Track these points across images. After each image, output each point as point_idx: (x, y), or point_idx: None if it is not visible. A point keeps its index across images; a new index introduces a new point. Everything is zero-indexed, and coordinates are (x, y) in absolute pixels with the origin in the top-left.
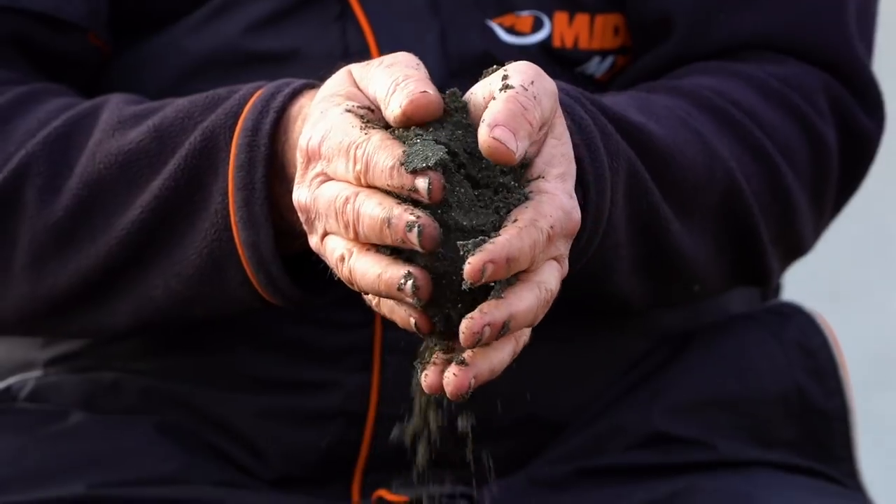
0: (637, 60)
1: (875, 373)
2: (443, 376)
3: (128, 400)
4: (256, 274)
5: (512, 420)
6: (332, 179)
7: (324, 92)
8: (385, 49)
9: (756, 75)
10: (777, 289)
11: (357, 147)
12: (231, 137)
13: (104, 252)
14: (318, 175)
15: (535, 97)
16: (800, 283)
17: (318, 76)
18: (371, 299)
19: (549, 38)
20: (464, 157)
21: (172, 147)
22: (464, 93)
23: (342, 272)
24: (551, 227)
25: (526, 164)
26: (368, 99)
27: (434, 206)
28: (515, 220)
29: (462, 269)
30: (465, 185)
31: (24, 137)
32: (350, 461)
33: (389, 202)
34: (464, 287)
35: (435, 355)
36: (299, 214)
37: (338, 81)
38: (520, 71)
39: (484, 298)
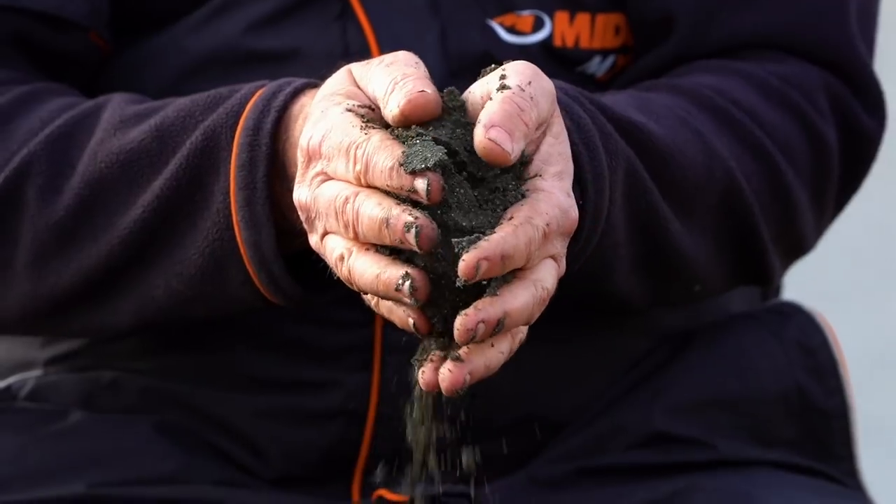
0: (638, 60)
1: (875, 373)
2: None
3: (128, 399)
4: (258, 273)
5: (512, 420)
6: (332, 179)
7: (324, 91)
8: (385, 48)
9: (756, 74)
10: (777, 288)
11: (357, 147)
12: (232, 137)
13: (106, 251)
14: (318, 174)
15: (531, 98)
16: (800, 283)
17: (318, 75)
18: (370, 299)
19: (549, 38)
20: (464, 156)
21: (174, 146)
22: (462, 92)
23: (341, 272)
24: (547, 225)
25: (526, 161)
26: (368, 98)
27: (433, 207)
28: (511, 218)
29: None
30: (465, 185)
31: (26, 137)
32: (350, 461)
33: (388, 202)
34: (458, 284)
35: (432, 353)
36: (299, 213)
37: (338, 80)
38: (517, 71)
39: None
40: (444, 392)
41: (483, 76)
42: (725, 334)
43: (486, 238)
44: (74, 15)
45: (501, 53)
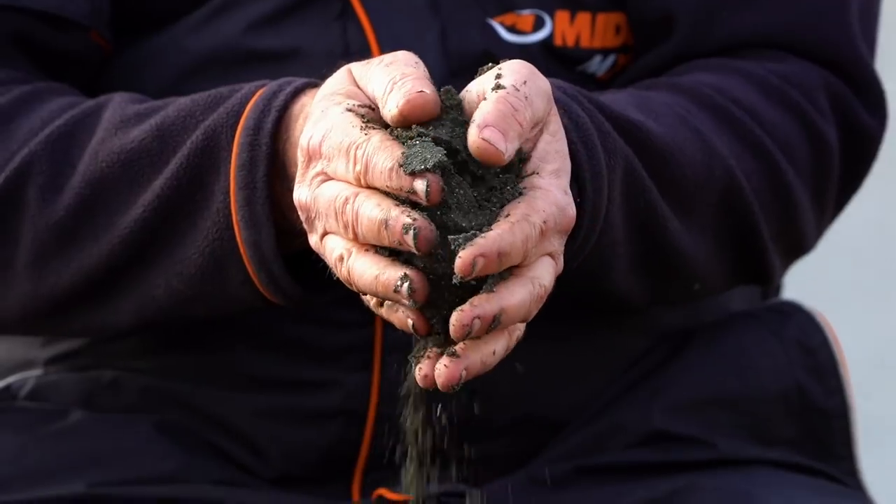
0: (638, 59)
1: (875, 373)
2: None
3: (128, 399)
4: (258, 273)
5: (512, 419)
6: (332, 179)
7: (324, 91)
8: (385, 47)
9: (756, 72)
10: (777, 288)
11: (357, 147)
12: (233, 136)
13: (106, 251)
14: (318, 174)
15: (526, 97)
16: (800, 283)
17: (319, 75)
18: (369, 299)
19: (550, 37)
20: (465, 154)
21: (174, 146)
22: (459, 90)
23: (341, 272)
24: (544, 223)
25: (524, 158)
26: (368, 97)
27: (433, 208)
28: (508, 215)
29: None
30: (465, 185)
31: (27, 136)
32: (350, 460)
33: (388, 203)
34: (455, 281)
35: (429, 349)
36: (300, 213)
37: (338, 80)
38: (513, 70)
39: None
40: (440, 388)
41: (480, 75)
42: (725, 333)
43: (482, 235)
44: (75, 14)
45: (502, 53)
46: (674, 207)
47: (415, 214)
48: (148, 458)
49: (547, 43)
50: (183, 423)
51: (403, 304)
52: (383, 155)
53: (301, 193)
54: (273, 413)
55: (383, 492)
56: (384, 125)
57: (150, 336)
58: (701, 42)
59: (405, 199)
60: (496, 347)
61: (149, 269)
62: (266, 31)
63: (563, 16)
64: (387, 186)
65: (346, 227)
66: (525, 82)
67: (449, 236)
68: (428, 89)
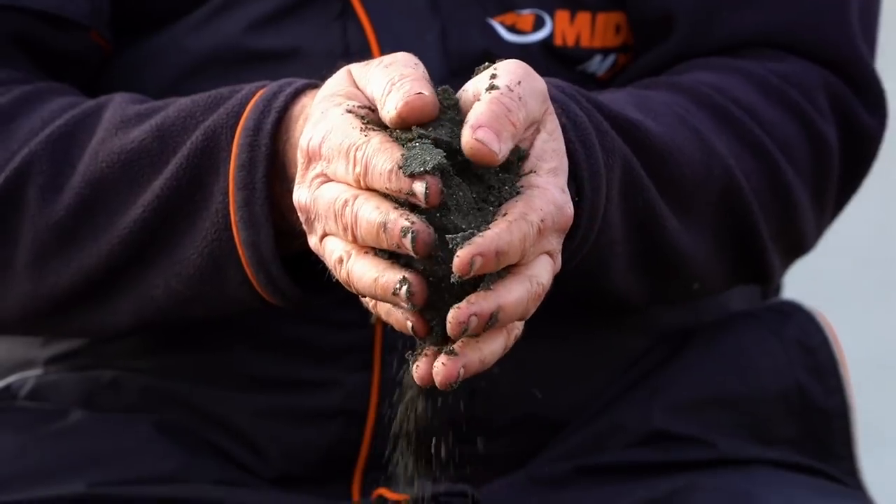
0: (638, 59)
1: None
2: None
3: (128, 398)
4: (256, 274)
5: (512, 419)
6: (332, 180)
7: (324, 92)
8: (386, 47)
9: (756, 72)
10: (777, 287)
11: (357, 149)
12: (232, 137)
13: (106, 251)
14: (318, 176)
15: (520, 98)
16: (800, 283)
17: (319, 75)
18: (368, 302)
19: (550, 37)
20: (465, 155)
21: (174, 146)
22: (456, 90)
23: (340, 274)
24: (542, 221)
25: (523, 157)
26: (367, 98)
27: (432, 210)
28: (505, 214)
29: None
30: (464, 187)
31: (28, 136)
32: (350, 460)
33: (386, 206)
34: (453, 280)
35: (427, 348)
36: (299, 215)
37: (338, 81)
38: (508, 70)
39: None
40: (438, 386)
41: (476, 74)
42: (725, 333)
43: (480, 234)
44: (75, 14)
45: (502, 52)
46: (672, 207)
47: (413, 217)
48: (148, 458)
49: (547, 43)
50: (183, 422)
51: (402, 307)
52: (383, 157)
53: (301, 195)
54: (273, 413)
55: (383, 491)
56: (384, 126)
57: (149, 336)
58: (701, 41)
59: (405, 202)
60: (494, 346)
61: (148, 270)
62: (266, 30)
63: (563, 15)
64: (386, 188)
65: (345, 229)
66: (520, 82)
67: (447, 236)
68: (426, 91)
